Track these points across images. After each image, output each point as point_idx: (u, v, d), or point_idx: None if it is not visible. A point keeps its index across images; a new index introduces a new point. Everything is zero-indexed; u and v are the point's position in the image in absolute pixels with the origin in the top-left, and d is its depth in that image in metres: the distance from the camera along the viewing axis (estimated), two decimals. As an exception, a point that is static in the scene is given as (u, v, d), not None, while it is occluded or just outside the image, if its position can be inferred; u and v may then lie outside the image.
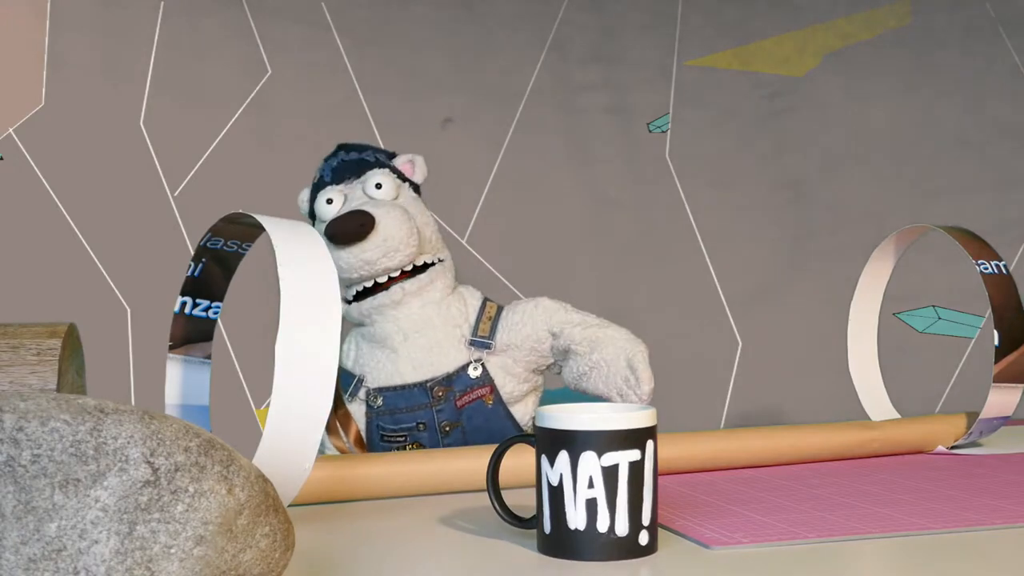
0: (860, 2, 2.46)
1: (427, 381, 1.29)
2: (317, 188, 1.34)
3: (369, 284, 1.29)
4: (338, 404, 1.31)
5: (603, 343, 1.27)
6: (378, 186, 1.31)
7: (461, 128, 2.27)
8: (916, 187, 2.43)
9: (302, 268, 0.92)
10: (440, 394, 1.29)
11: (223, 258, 1.06)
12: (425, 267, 1.31)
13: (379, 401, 1.30)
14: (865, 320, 1.39)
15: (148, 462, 0.61)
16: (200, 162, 2.12)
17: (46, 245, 2.02)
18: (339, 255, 1.26)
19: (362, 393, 1.31)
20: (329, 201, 1.31)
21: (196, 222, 2.06)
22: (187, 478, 0.62)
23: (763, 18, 2.43)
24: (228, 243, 1.05)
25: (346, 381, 1.32)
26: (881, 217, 2.36)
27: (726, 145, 2.41)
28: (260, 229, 1.02)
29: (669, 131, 2.39)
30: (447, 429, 1.29)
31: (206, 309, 1.07)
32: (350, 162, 1.34)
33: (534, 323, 1.31)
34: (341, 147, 1.37)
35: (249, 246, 1.06)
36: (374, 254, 1.26)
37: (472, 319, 1.32)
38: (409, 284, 1.29)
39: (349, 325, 1.36)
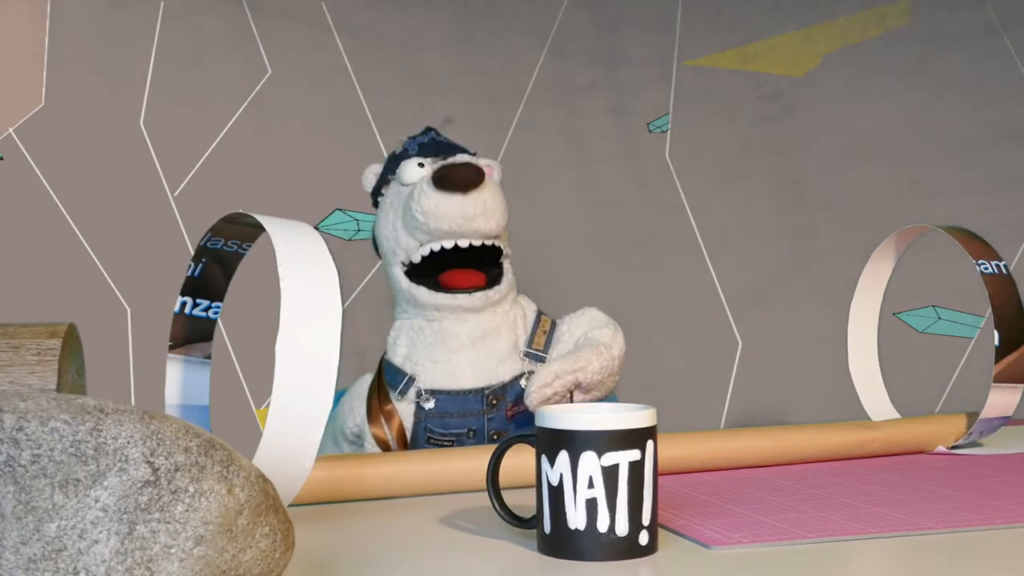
0: (860, 2, 2.46)
1: (484, 388, 1.28)
2: (400, 158, 1.33)
3: (448, 245, 1.27)
4: (383, 399, 1.29)
5: (576, 346, 1.28)
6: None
7: (461, 128, 2.26)
8: (916, 187, 2.43)
9: (302, 268, 0.92)
10: (494, 402, 1.28)
11: (223, 258, 1.06)
12: (497, 264, 1.31)
13: (431, 403, 1.28)
14: (865, 320, 1.39)
15: (148, 462, 0.61)
16: (200, 162, 2.12)
17: (46, 245, 2.02)
18: (438, 202, 1.25)
19: (412, 393, 1.29)
20: (421, 165, 1.30)
21: (196, 222, 2.06)
22: (187, 478, 0.62)
23: (763, 18, 2.43)
24: (228, 243, 1.05)
25: (395, 378, 1.30)
26: (881, 217, 2.36)
27: (726, 145, 2.41)
28: (260, 229, 1.02)
29: (669, 131, 2.39)
30: (495, 438, 1.28)
31: (206, 309, 1.07)
32: (440, 142, 1.35)
33: (580, 330, 1.31)
34: (430, 128, 1.37)
35: (249, 246, 1.06)
36: (473, 209, 1.25)
37: (529, 330, 1.32)
38: (492, 293, 1.29)
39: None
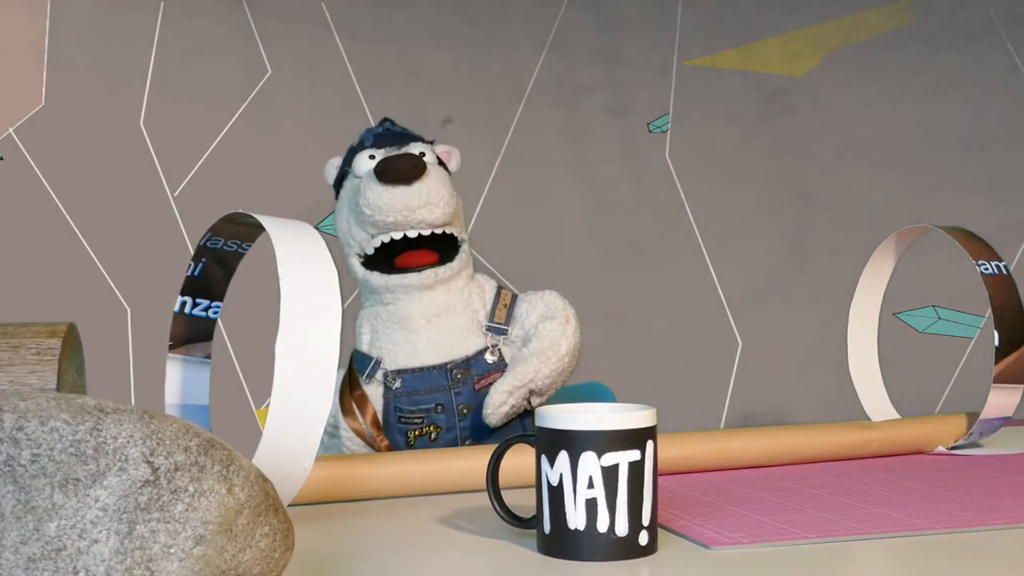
0: (860, 2, 2.46)
1: (447, 363, 1.30)
2: (355, 151, 1.35)
3: (398, 236, 1.28)
4: (354, 386, 1.31)
5: (524, 352, 1.29)
6: (421, 154, 1.32)
7: (461, 128, 2.26)
8: (916, 187, 2.43)
9: (302, 267, 0.92)
10: (459, 376, 1.30)
11: (223, 258, 1.06)
12: (453, 248, 1.32)
13: (397, 383, 1.30)
14: (865, 320, 1.39)
15: (148, 462, 0.61)
16: (200, 162, 2.12)
17: (46, 245, 2.02)
18: (379, 194, 1.26)
19: (379, 375, 1.32)
20: (372, 157, 1.32)
21: (196, 222, 2.06)
22: (187, 478, 0.62)
23: (763, 18, 2.43)
24: (228, 243, 1.05)
25: (362, 364, 1.33)
26: (881, 217, 2.36)
27: (726, 145, 2.41)
28: (260, 229, 1.02)
29: (669, 131, 2.39)
30: (464, 412, 1.30)
31: (206, 309, 1.07)
32: (395, 132, 1.37)
33: (535, 314, 1.33)
34: (387, 119, 1.39)
35: (249, 246, 1.06)
36: (416, 201, 1.26)
37: (488, 306, 1.34)
38: (442, 271, 1.31)
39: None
